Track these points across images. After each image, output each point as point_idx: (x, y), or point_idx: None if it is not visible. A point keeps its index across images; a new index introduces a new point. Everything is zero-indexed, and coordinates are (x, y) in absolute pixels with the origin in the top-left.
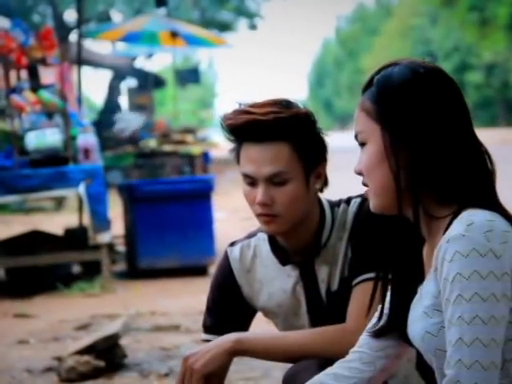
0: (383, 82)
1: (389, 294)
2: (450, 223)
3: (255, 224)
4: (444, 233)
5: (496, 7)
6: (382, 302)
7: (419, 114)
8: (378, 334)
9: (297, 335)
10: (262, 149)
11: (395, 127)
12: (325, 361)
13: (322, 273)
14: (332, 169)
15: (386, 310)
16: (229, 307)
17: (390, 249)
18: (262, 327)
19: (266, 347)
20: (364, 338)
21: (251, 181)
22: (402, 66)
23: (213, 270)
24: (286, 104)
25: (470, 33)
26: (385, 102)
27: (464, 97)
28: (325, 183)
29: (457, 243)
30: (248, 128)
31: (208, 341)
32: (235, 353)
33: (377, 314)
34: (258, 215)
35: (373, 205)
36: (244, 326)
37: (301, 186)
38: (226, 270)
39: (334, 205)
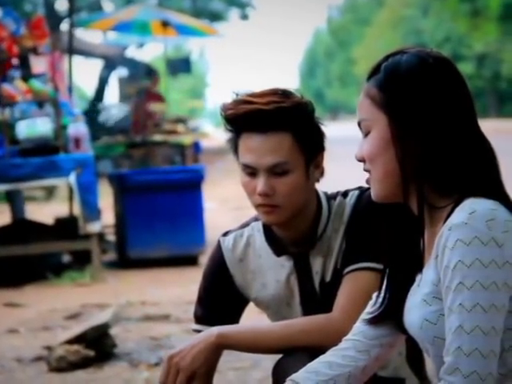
0: (391, 69)
1: (385, 282)
2: (452, 211)
3: (245, 214)
4: (445, 221)
5: None
6: (379, 289)
7: (426, 103)
8: (373, 321)
9: (281, 326)
10: (264, 139)
11: (402, 115)
12: (315, 350)
13: (317, 264)
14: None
15: (381, 299)
16: (221, 297)
17: (388, 238)
18: (253, 318)
19: (250, 340)
20: (359, 326)
21: (251, 171)
22: (410, 55)
23: (203, 259)
24: (285, 93)
25: (461, 24)
26: (392, 90)
27: (469, 88)
28: (321, 173)
29: (459, 231)
30: (249, 118)
31: (198, 331)
32: (220, 347)
33: (371, 303)
34: (258, 206)
35: (375, 192)
36: (235, 317)
37: (301, 176)
38: (219, 259)
39: (331, 197)
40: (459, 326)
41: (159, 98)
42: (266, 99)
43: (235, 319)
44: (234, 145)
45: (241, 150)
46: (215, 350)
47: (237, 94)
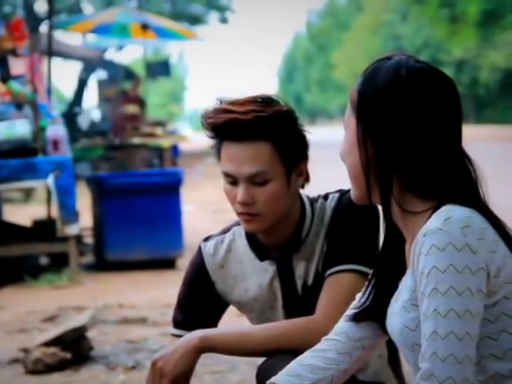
0: (369, 76)
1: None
2: (429, 218)
3: (224, 217)
4: None
5: (466, 4)
6: (366, 288)
7: (392, 115)
8: (357, 317)
9: (263, 329)
10: (243, 148)
11: (367, 123)
12: (297, 352)
13: (300, 268)
14: None
15: (364, 298)
16: (201, 303)
17: (375, 242)
18: (232, 321)
19: (232, 342)
20: (341, 327)
21: (232, 180)
22: (391, 63)
23: (181, 263)
24: (267, 101)
25: (440, 29)
26: (363, 97)
27: (451, 97)
28: (306, 179)
29: (433, 237)
30: (228, 127)
31: (178, 336)
32: (202, 350)
33: (356, 302)
34: (239, 214)
35: (351, 192)
36: (214, 321)
37: (282, 185)
38: (200, 265)
39: (313, 201)
40: (434, 332)
41: (137, 100)
42: (245, 108)
43: (214, 324)
44: (218, 152)
45: (222, 158)
46: (197, 354)
47: (220, 102)
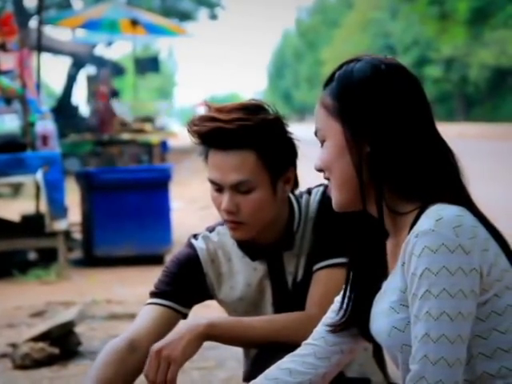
0: (344, 78)
1: (348, 288)
2: (417, 218)
3: (212, 213)
4: (411, 228)
5: (456, 2)
6: (343, 295)
7: (379, 110)
8: (336, 329)
9: (265, 321)
10: (227, 156)
11: (355, 123)
12: (293, 347)
13: (290, 265)
14: None
15: (343, 310)
16: (189, 289)
17: (354, 243)
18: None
19: (236, 332)
20: (320, 332)
21: (218, 187)
22: (363, 62)
23: (169, 258)
24: (253, 109)
25: (429, 27)
26: (345, 99)
27: (425, 93)
28: (295, 185)
29: (426, 238)
30: (212, 135)
31: (159, 304)
32: (207, 337)
33: (333, 308)
34: (225, 221)
35: (335, 200)
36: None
37: (267, 194)
38: (193, 256)
39: (299, 197)
40: (425, 335)
41: (107, 96)
42: (230, 116)
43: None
44: (205, 158)
45: (208, 165)
46: (202, 340)
47: (208, 107)
